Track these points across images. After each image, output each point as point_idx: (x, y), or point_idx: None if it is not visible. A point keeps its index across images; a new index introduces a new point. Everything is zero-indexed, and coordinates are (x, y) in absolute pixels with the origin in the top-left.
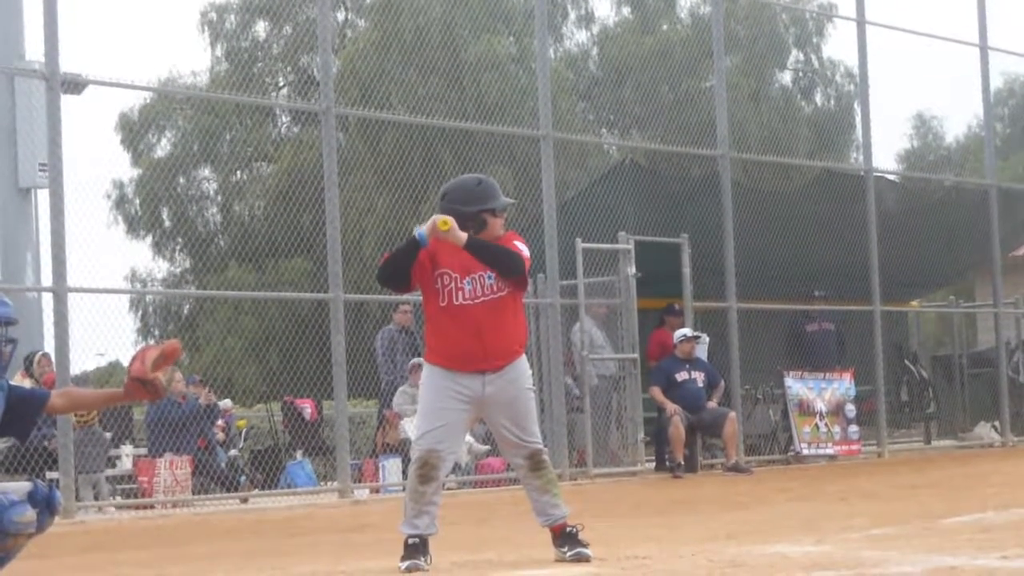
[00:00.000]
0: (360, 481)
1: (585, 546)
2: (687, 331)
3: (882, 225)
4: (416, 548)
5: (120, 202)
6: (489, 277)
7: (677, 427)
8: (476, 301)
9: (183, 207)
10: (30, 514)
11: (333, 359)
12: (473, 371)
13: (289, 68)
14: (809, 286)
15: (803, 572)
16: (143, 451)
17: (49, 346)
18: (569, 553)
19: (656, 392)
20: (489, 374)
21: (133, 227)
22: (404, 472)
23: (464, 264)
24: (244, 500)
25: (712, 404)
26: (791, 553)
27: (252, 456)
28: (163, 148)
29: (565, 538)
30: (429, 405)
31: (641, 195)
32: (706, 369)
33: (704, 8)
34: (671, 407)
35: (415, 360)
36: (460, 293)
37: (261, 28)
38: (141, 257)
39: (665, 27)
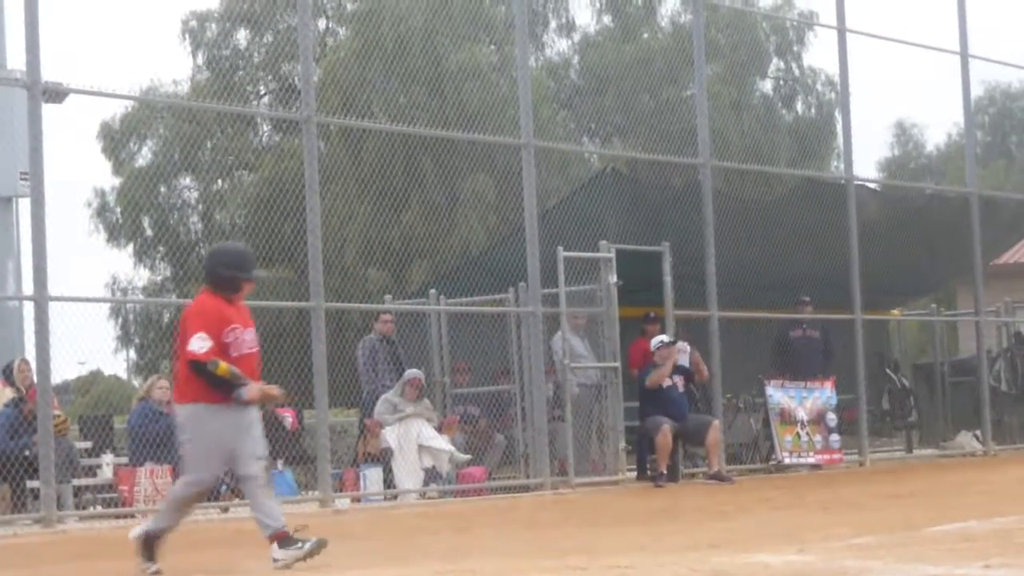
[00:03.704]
0: (341, 490)
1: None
2: (663, 338)
3: (863, 233)
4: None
5: (101, 210)
6: (250, 333)
7: (666, 436)
8: (254, 349)
9: (164, 215)
10: None
11: (314, 368)
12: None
13: (270, 76)
14: (794, 293)
15: None
16: (124, 460)
17: (30, 355)
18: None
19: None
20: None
21: (114, 235)
22: (385, 481)
23: (244, 319)
24: (224, 509)
25: (702, 370)
26: (773, 563)
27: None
28: (144, 157)
29: (285, 540)
30: (214, 440)
31: (622, 204)
32: (684, 372)
33: (685, 16)
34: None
35: (412, 374)
36: (245, 343)
37: (242, 36)
38: (122, 265)
39: (646, 35)
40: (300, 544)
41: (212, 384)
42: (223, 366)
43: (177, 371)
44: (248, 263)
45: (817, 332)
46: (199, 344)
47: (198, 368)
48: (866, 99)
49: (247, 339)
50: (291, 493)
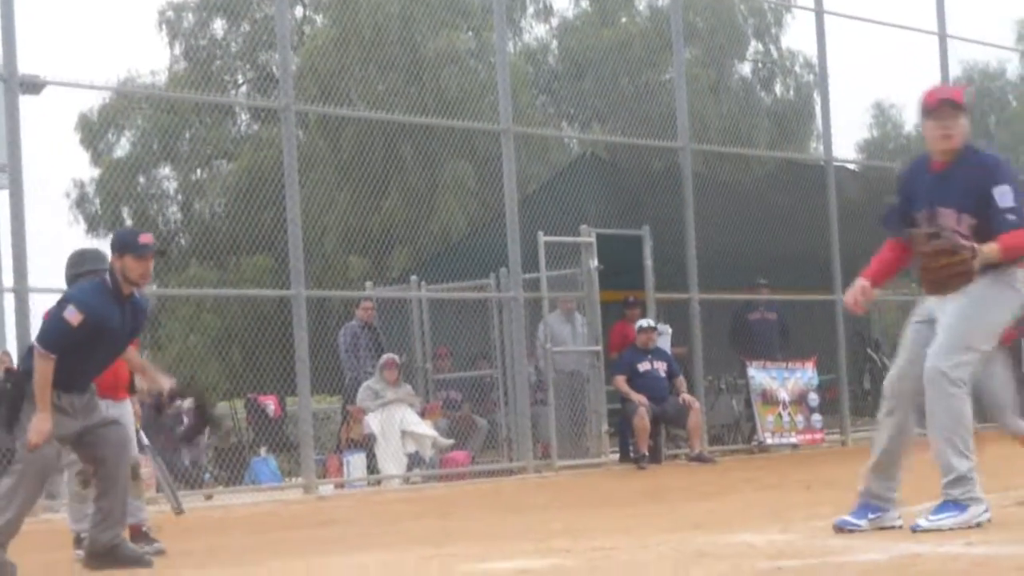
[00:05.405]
0: (325, 477)
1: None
2: (646, 321)
3: (843, 214)
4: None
5: (80, 201)
6: None
7: (642, 418)
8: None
9: (143, 206)
10: None
11: (296, 355)
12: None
13: (248, 66)
14: (774, 274)
15: (769, 561)
16: None
17: (12, 347)
18: (147, 548)
19: (620, 382)
20: None
21: (93, 226)
22: (369, 467)
23: None
24: (208, 497)
25: (684, 395)
26: (757, 542)
27: (216, 453)
28: (123, 147)
29: (142, 537)
30: None
31: (602, 188)
32: (667, 359)
33: (662, 0)
34: (636, 397)
35: (387, 357)
36: None
37: (219, 26)
38: None
39: (624, 19)
40: None
41: None
42: None
43: None
44: (97, 258)
45: (774, 314)
46: None
47: None
48: (844, 80)
49: None
50: (275, 480)
